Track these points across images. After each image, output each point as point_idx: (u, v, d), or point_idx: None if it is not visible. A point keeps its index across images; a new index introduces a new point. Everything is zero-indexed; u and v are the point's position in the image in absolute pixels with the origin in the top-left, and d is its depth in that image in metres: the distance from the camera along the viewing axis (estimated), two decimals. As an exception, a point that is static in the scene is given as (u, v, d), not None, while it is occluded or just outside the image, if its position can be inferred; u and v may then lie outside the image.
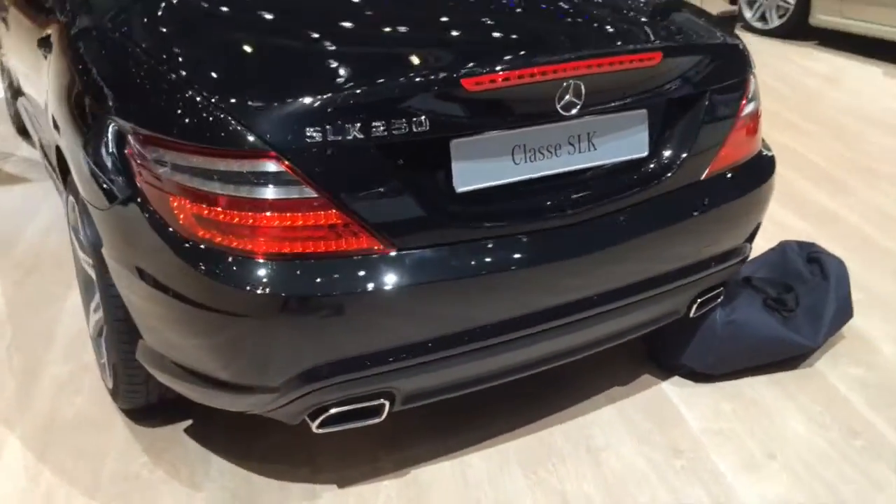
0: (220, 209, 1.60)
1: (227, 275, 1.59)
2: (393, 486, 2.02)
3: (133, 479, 2.04)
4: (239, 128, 1.57)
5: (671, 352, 2.41)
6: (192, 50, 1.80)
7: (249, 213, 1.59)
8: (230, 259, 1.60)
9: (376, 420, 1.82)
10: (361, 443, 2.13)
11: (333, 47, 1.80)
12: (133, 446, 2.14)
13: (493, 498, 1.99)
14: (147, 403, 2.13)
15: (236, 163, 1.57)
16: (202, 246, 1.61)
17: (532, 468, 2.08)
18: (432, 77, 1.66)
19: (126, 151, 1.72)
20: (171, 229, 1.64)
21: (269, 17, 1.97)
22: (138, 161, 1.69)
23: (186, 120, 1.61)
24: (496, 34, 1.91)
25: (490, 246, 1.75)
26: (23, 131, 4.26)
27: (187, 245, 1.63)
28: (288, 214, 1.59)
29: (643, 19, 2.11)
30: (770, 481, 2.06)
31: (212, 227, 1.61)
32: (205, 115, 1.60)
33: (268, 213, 1.59)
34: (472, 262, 1.73)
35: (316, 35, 1.87)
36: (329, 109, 1.59)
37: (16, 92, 3.94)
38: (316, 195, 1.59)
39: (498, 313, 1.79)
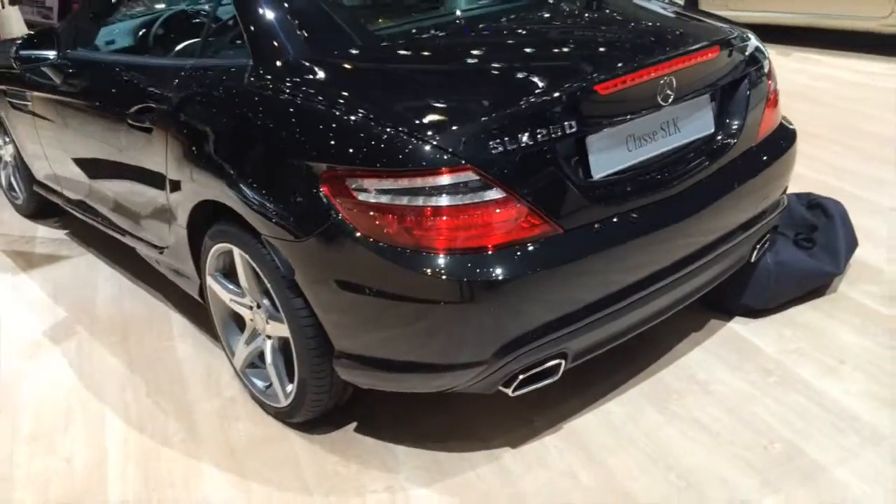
0: (428, 218, 1.94)
1: (448, 270, 1.93)
2: (556, 440, 2.38)
3: (334, 476, 2.32)
4: (438, 149, 1.92)
5: (732, 296, 2.87)
6: (379, 93, 2.13)
7: (455, 217, 1.94)
8: (445, 257, 1.94)
9: (554, 379, 2.18)
10: (512, 412, 2.48)
11: (496, 75, 2.20)
12: (317, 451, 2.41)
13: (643, 432, 2.38)
14: (325, 411, 2.41)
15: (440, 178, 1.92)
16: (417, 251, 1.95)
17: (661, 405, 2.48)
18: (574, 87, 2.07)
19: (321, 188, 2.03)
20: (382, 243, 1.96)
21: (436, 56, 2.35)
22: (337, 193, 2.00)
23: (389, 152, 1.95)
24: (607, 47, 2.36)
25: (626, 218, 2.16)
26: (36, 215, 4.36)
27: (402, 252, 1.95)
28: (487, 213, 1.95)
29: (692, 24, 2.59)
30: (848, 380, 2.53)
31: (422, 234, 1.94)
32: (407, 145, 1.94)
33: (470, 214, 1.94)
34: (617, 232, 2.13)
35: (478, 67, 2.27)
36: (505, 124, 1.97)
37: (31, 179, 4.07)
38: (505, 194, 1.95)
39: (638, 271, 2.19)
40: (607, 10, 2.81)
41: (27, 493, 2.37)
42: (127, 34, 3.60)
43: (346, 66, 2.32)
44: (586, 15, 2.80)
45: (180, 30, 3.43)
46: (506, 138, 1.96)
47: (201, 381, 2.81)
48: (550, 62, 2.30)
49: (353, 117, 2.04)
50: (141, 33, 3.55)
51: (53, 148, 3.57)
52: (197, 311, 3.16)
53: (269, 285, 2.28)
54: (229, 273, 2.57)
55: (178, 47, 3.17)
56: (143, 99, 2.69)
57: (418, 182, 1.93)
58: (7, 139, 4.27)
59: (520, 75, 2.20)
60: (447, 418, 2.49)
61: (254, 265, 2.31)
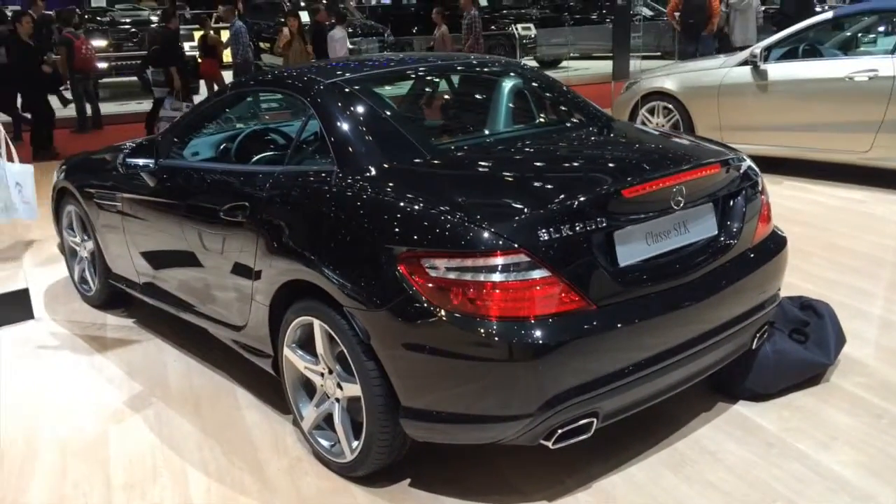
0: (486, 291, 2.40)
1: (500, 334, 2.38)
2: (587, 497, 2.74)
3: (394, 520, 2.67)
4: (497, 235, 2.41)
5: (738, 381, 3.28)
6: (446, 191, 2.66)
7: (508, 291, 2.40)
8: (499, 323, 2.39)
9: (588, 435, 2.58)
10: (547, 472, 2.85)
11: (542, 179, 2.76)
12: (378, 502, 2.77)
13: (662, 490, 2.74)
14: (385, 465, 2.79)
15: (497, 259, 2.40)
16: (476, 318, 2.40)
17: (677, 469, 2.86)
18: (605, 190, 2.60)
19: (399, 266, 2.50)
20: (448, 311, 2.42)
21: (489, 164, 2.91)
22: (412, 270, 2.48)
23: (456, 237, 2.44)
24: (630, 161, 2.91)
25: (648, 299, 2.62)
26: (104, 306, 4.83)
27: (464, 319, 2.40)
28: (535, 288, 2.41)
29: (696, 145, 3.17)
30: (840, 453, 2.91)
31: (481, 304, 2.40)
32: (470, 231, 2.43)
33: (522, 289, 2.40)
34: (640, 311, 2.59)
35: (524, 172, 2.83)
36: (550, 217, 2.47)
37: (107, 272, 4.56)
38: (550, 274, 2.42)
39: (657, 346, 2.63)
40: (625, 134, 3.39)
41: (124, 530, 2.72)
42: (209, 147, 4.19)
43: (418, 170, 2.86)
44: (607, 136, 3.38)
45: (259, 143, 4.01)
46: (551, 228, 2.45)
47: (270, 444, 3.19)
48: (583, 170, 2.88)
49: (426, 209, 2.55)
50: (222, 146, 4.14)
51: (139, 243, 4.08)
52: (260, 385, 3.57)
53: (345, 350, 2.72)
54: (304, 344, 3.00)
55: (265, 154, 3.74)
56: (237, 198, 3.21)
57: (480, 262, 2.41)
58: (87, 237, 4.79)
59: (560, 179, 2.74)
60: (491, 476, 2.86)
61: (332, 334, 2.75)
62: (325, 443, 2.98)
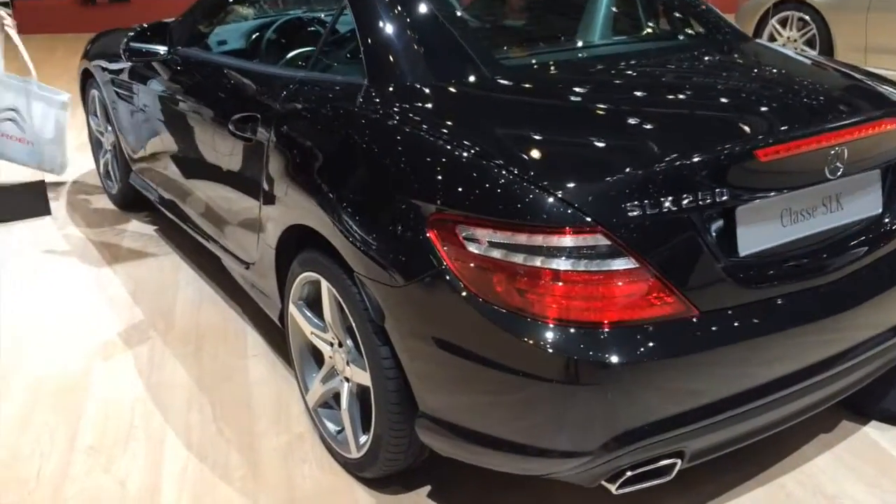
0: (545, 282, 1.68)
1: (557, 344, 1.67)
2: (656, 542, 2.08)
3: (400, 548, 2.08)
4: (565, 205, 1.67)
5: (871, 397, 2.50)
6: (502, 133, 1.91)
7: (576, 285, 1.68)
8: (558, 328, 1.68)
9: (666, 479, 1.88)
10: (602, 501, 2.19)
11: (639, 126, 1.93)
12: (385, 515, 2.18)
13: (758, 548, 2.05)
14: (399, 471, 2.18)
15: (564, 238, 1.67)
16: (526, 317, 1.69)
17: (780, 517, 2.15)
18: (731, 149, 1.79)
19: (427, 232, 1.80)
20: (489, 303, 1.72)
21: (569, 96, 2.11)
22: (444, 240, 1.77)
23: (508, 201, 1.71)
24: (771, 107, 2.05)
25: (772, 305, 1.85)
26: (128, 207, 4.31)
27: (509, 316, 1.70)
28: (613, 283, 1.68)
29: (864, 88, 2.27)
30: None
31: (535, 299, 1.69)
32: (529, 195, 1.69)
33: (594, 283, 1.67)
34: (761, 321, 1.82)
35: (619, 114, 2.01)
36: (645, 184, 1.70)
37: (127, 168, 4.01)
38: (637, 265, 1.68)
39: (777, 368, 1.88)
40: (766, 62, 2.51)
41: (75, 512, 2.22)
42: (240, 36, 3.49)
43: (468, 96, 2.10)
44: (742, 65, 2.50)
45: (295, 37, 3.28)
46: (645, 201, 1.69)
47: (270, 411, 2.62)
48: (703, 117, 2.02)
49: (470, 156, 1.81)
50: (254, 37, 3.43)
51: (153, 143, 3.48)
52: (274, 330, 2.98)
53: (354, 327, 2.07)
54: (313, 304, 2.37)
55: (290, 55, 3.02)
56: (248, 107, 2.53)
57: (538, 239, 1.68)
58: (109, 127, 4.24)
59: (667, 129, 1.92)
60: (529, 499, 2.22)
61: (341, 302, 2.11)
62: (331, 426, 2.39)
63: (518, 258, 1.70)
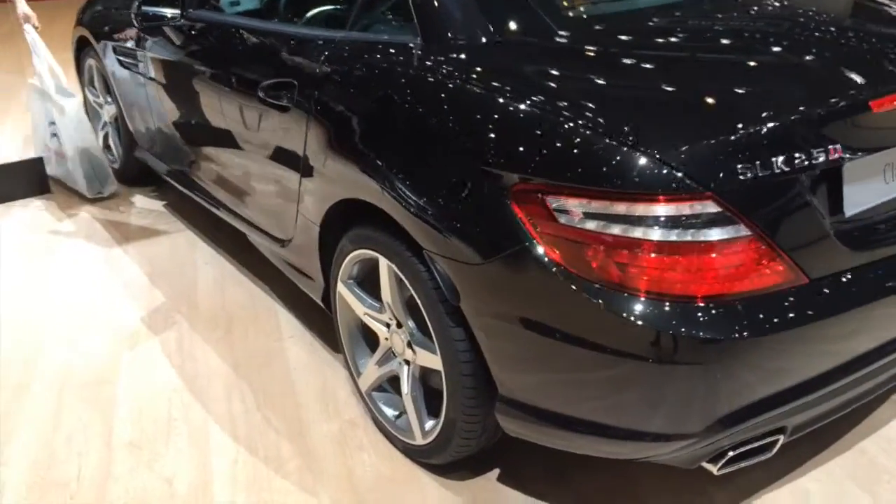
0: (648, 255, 1.54)
1: (660, 322, 1.54)
2: (745, 520, 1.98)
3: (478, 538, 1.96)
4: (671, 171, 1.52)
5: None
6: (591, 91, 1.74)
7: (682, 257, 1.54)
8: (665, 304, 1.54)
9: (767, 456, 1.77)
10: (684, 479, 2.08)
11: (740, 79, 1.77)
12: (455, 503, 2.06)
13: (852, 522, 1.96)
14: (468, 455, 2.06)
15: (670, 206, 1.52)
16: (628, 292, 1.56)
17: (869, 486, 2.06)
18: (845, 101, 1.65)
19: (510, 204, 1.65)
20: (583, 279, 1.58)
21: (662, 48, 1.94)
22: (531, 212, 1.62)
23: (606, 168, 1.55)
24: (877, 55, 1.90)
25: (879, 268, 1.73)
26: (133, 182, 4.10)
27: (607, 293, 1.56)
28: (725, 253, 1.54)
29: None
30: None
31: (638, 275, 1.55)
32: (629, 160, 1.54)
33: (704, 256, 1.54)
34: (869, 285, 1.70)
35: (718, 66, 1.85)
36: (756, 143, 1.56)
37: (132, 143, 3.80)
38: (749, 232, 1.55)
39: (883, 334, 1.77)
40: (862, 7, 2.33)
41: (124, 515, 2.08)
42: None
43: (541, 52, 1.92)
44: (836, 9, 2.32)
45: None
46: (756, 161, 1.54)
47: (316, 397, 2.48)
48: (808, 66, 1.86)
49: (556, 119, 1.65)
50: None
51: (163, 114, 3.28)
52: (308, 309, 2.84)
53: (422, 308, 1.92)
54: (365, 283, 2.22)
55: (312, 13, 2.80)
56: (282, 72, 2.35)
57: (640, 209, 1.54)
58: (109, 99, 4.01)
59: (772, 81, 1.77)
60: (607, 477, 2.11)
61: (406, 282, 1.95)
62: (388, 411, 2.25)
63: (617, 229, 1.56)
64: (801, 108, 1.63)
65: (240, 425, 2.36)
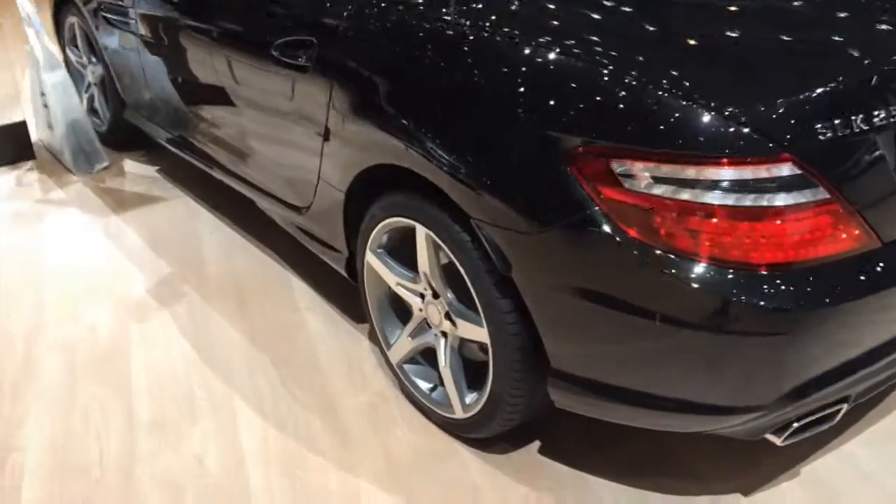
0: (721, 222, 1.47)
1: (734, 291, 1.47)
2: (795, 489, 1.94)
3: (527, 513, 1.91)
4: (748, 131, 1.44)
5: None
6: (656, 44, 1.64)
7: (757, 223, 1.46)
8: (736, 274, 1.47)
9: (829, 425, 1.73)
10: (730, 445, 2.04)
11: (818, 33, 1.69)
12: (499, 478, 2.00)
13: (903, 485, 1.94)
14: (509, 428, 1.99)
15: (747, 169, 1.44)
16: (701, 261, 1.48)
17: (916, 450, 2.04)
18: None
19: (570, 169, 1.56)
20: (650, 247, 1.50)
21: (738, 5, 1.83)
22: (594, 178, 1.54)
23: (676, 129, 1.47)
24: None
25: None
26: (121, 147, 3.93)
27: (677, 262, 1.49)
28: (802, 217, 1.47)
29: None
30: None
31: (710, 242, 1.48)
32: (701, 120, 1.46)
33: (780, 220, 1.46)
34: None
35: (791, 18, 1.75)
36: (835, 101, 1.49)
37: (121, 104, 3.63)
38: (828, 195, 1.47)
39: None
40: None
41: (159, 500, 1.98)
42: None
43: (610, 3, 1.80)
44: None
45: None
46: (836, 121, 1.47)
47: (342, 369, 2.39)
48: (885, 21, 1.77)
49: (620, 75, 1.55)
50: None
51: (159, 74, 3.11)
52: (323, 277, 2.74)
53: (467, 279, 1.83)
54: (394, 251, 2.13)
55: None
56: (299, 30, 2.21)
57: (712, 172, 1.46)
58: (94, 59, 3.82)
59: (848, 36, 1.69)
60: (650, 444, 2.06)
61: (447, 252, 1.86)
62: (422, 384, 2.18)
63: (687, 195, 1.47)
64: (880, 65, 1.55)
65: (266, 401, 2.27)
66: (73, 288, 2.85)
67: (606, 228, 1.53)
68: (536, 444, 2.09)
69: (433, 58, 1.82)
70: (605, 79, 1.56)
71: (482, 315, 1.83)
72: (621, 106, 1.53)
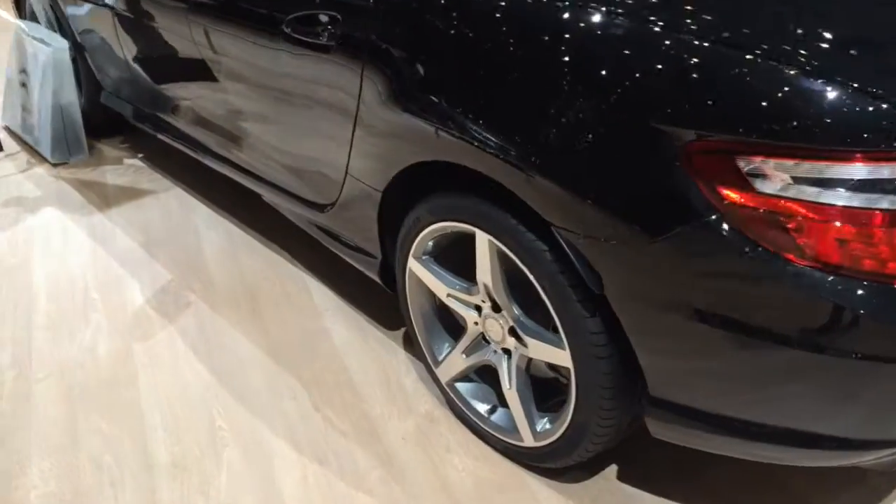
0: (878, 230, 1.21)
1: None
2: (909, 506, 1.74)
3: (617, 555, 1.68)
4: (909, 121, 1.18)
5: None
6: (802, 20, 1.36)
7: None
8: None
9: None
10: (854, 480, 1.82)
11: None
12: (578, 511, 1.77)
13: None
14: (587, 459, 1.76)
15: (912, 167, 1.19)
16: (847, 279, 1.23)
17: None
18: None
19: (682, 167, 1.29)
20: (789, 261, 1.25)
21: None
22: (714, 177, 1.27)
23: (824, 119, 1.20)
24: None
25: None
26: (97, 133, 3.57)
27: (823, 279, 1.24)
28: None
29: None
30: None
31: (864, 255, 1.23)
32: (854, 108, 1.19)
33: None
34: None
35: None
36: None
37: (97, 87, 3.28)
38: None
39: None
40: None
41: (185, 558, 1.73)
42: None
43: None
44: None
45: None
46: None
47: (378, 387, 2.13)
48: None
49: (751, 55, 1.27)
50: None
51: (145, 60, 2.77)
52: (342, 278, 2.48)
53: (544, 295, 1.57)
54: (444, 258, 1.86)
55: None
56: (318, 3, 1.90)
57: (869, 171, 1.20)
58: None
59: None
60: (731, 472, 1.83)
61: (519, 263, 1.59)
62: (479, 406, 1.93)
63: (836, 198, 1.22)
64: None
65: (299, 430, 2.01)
66: (62, 304, 2.53)
67: (730, 238, 1.27)
68: (613, 468, 1.86)
69: (504, 35, 1.53)
70: (731, 57, 1.28)
71: (563, 335, 1.58)
72: (751, 90, 1.25)
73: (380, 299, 2.36)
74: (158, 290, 2.56)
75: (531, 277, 1.58)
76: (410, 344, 2.25)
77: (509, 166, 1.49)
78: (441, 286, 1.85)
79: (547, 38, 1.45)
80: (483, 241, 1.67)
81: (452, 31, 1.61)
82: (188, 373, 2.21)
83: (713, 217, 1.28)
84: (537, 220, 1.51)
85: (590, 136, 1.39)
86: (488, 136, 1.52)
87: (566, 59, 1.42)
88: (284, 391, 2.13)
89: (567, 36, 1.43)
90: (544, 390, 1.80)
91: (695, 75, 1.30)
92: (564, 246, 1.47)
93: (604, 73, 1.38)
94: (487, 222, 1.63)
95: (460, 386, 1.96)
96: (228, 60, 2.28)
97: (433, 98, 1.63)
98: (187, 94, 2.62)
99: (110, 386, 2.17)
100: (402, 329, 2.31)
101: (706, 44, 1.31)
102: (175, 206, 3.05)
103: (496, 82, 1.52)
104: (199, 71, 2.44)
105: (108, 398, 2.14)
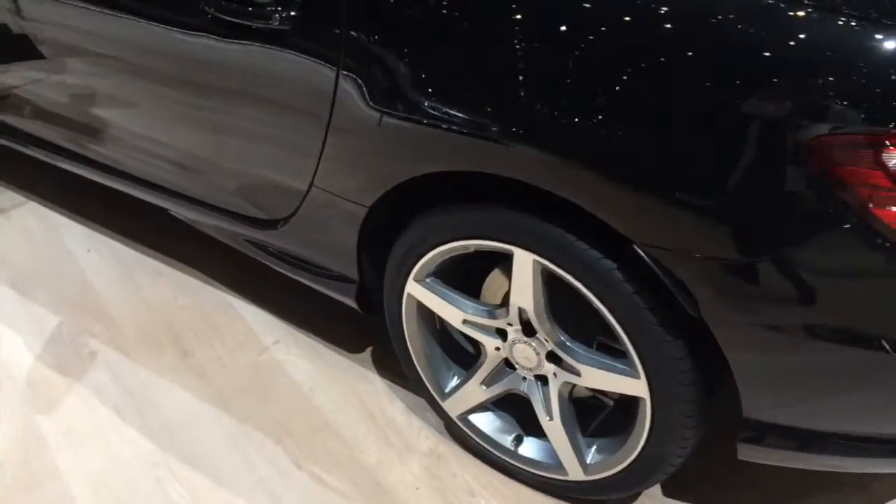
0: None
1: None
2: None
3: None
4: None
5: None
6: None
7: None
8: None
9: None
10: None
11: None
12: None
13: None
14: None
15: None
16: None
17: None
18: None
19: (809, 163, 1.09)
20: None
21: None
22: (853, 174, 1.08)
23: None
24: None
25: None
26: None
27: None
28: None
29: None
30: None
31: None
32: None
33: None
34: None
35: None
36: None
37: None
38: None
39: None
40: None
41: None
42: None
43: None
44: None
45: None
46: None
47: (364, 426, 1.82)
48: None
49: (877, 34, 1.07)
50: None
51: (23, 60, 2.18)
52: (274, 293, 2.11)
53: (612, 318, 1.33)
54: (450, 277, 1.57)
55: None
56: None
57: None
58: None
59: None
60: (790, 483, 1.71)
61: (579, 286, 1.34)
62: (502, 439, 1.67)
63: None
64: None
65: (288, 498, 1.66)
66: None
67: (875, 246, 1.09)
68: (660, 490, 1.68)
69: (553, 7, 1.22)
70: (871, 31, 1.08)
71: (638, 363, 1.35)
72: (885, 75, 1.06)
73: (330, 316, 2.02)
74: (48, 341, 2.06)
75: (594, 300, 1.34)
76: (384, 366, 1.94)
77: (574, 174, 1.22)
78: (455, 311, 1.56)
79: (643, 17, 1.18)
80: (525, 261, 1.39)
81: (472, 10, 1.29)
82: (119, 443, 1.78)
83: (854, 221, 1.09)
84: (603, 236, 1.26)
85: (686, 134, 1.15)
86: (542, 140, 1.23)
87: (664, 46, 1.16)
88: (252, 452, 1.76)
89: (664, 11, 1.16)
90: (579, 412, 1.59)
91: (829, 51, 1.09)
92: (652, 265, 1.23)
93: (694, 56, 1.14)
94: (533, 240, 1.36)
95: (475, 418, 1.69)
96: (121, 48, 1.82)
97: (457, 93, 1.31)
98: (86, 108, 2.08)
99: (28, 486, 1.70)
100: (369, 349, 2.00)
101: (841, 20, 1.09)
102: (34, 224, 2.49)
103: (543, 72, 1.23)
104: (80, 64, 1.94)
105: (30, 500, 1.67)
